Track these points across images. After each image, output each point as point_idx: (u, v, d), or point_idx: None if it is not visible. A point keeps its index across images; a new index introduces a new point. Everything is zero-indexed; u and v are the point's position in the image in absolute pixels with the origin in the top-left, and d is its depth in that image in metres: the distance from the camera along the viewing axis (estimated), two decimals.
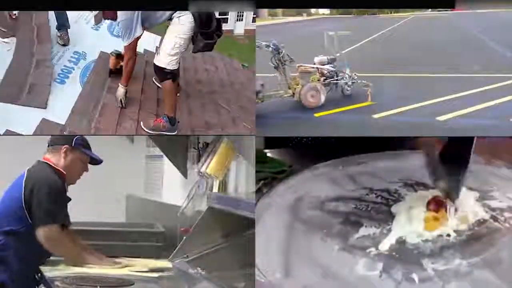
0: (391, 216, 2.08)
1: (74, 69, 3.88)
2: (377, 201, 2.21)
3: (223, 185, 3.44)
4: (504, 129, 4.03)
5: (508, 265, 1.74)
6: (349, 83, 5.22)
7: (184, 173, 3.96)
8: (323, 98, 4.95)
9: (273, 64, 4.90)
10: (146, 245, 3.75)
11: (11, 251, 2.88)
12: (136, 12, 3.52)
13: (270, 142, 3.55)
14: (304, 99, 4.92)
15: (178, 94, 4.10)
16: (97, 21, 3.92)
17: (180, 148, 3.92)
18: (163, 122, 3.77)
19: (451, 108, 4.57)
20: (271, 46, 4.83)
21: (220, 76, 4.92)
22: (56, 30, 4.10)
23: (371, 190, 2.29)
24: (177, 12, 3.58)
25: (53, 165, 3.05)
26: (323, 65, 5.18)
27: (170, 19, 3.64)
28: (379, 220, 2.06)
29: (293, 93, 4.97)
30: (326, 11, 12.91)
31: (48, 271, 3.18)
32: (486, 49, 6.67)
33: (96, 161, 3.21)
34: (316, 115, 4.77)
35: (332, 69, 5.14)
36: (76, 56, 3.96)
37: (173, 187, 4.26)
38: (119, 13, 3.50)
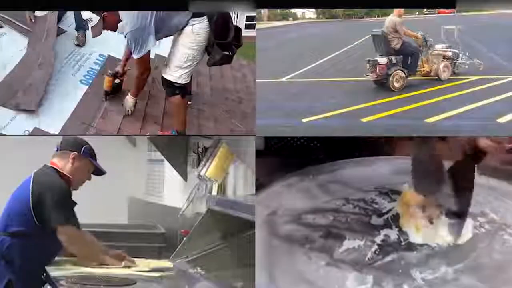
0: (373, 227, 2.03)
1: (98, 71, 3.82)
2: (355, 211, 2.15)
3: (222, 188, 3.47)
4: (491, 130, 3.97)
5: (490, 269, 1.75)
6: (467, 62, 5.76)
7: (184, 176, 4.01)
8: (449, 73, 5.59)
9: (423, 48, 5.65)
10: (147, 245, 3.79)
11: (18, 251, 2.91)
12: (148, 20, 3.13)
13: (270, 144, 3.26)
14: (440, 74, 5.56)
15: (189, 102, 3.77)
16: (96, 33, 3.34)
17: (180, 152, 3.96)
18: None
19: (440, 110, 4.53)
20: (424, 36, 5.64)
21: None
22: (75, 31, 3.99)
23: (346, 200, 2.23)
24: (191, 19, 3.20)
25: (59, 170, 3.04)
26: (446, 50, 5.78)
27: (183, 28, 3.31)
28: (362, 232, 2.00)
29: (430, 70, 5.61)
30: (312, 15, 13.17)
31: (53, 271, 3.22)
32: (472, 50, 6.62)
33: (100, 172, 3.20)
34: (364, 120, 4.64)
35: (456, 51, 5.70)
36: (102, 59, 3.93)
37: (173, 190, 4.34)
38: (128, 23, 3.11)
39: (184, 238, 3.30)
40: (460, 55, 5.98)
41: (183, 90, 3.36)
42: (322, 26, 10.63)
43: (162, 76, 3.36)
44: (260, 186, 2.45)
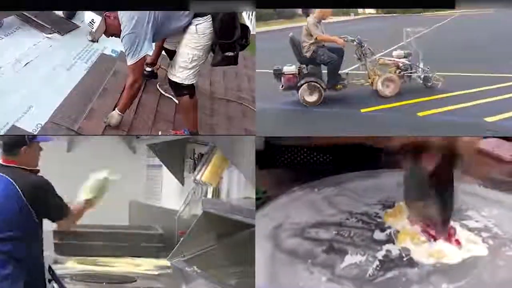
0: (375, 242, 1.96)
1: None
2: (358, 225, 2.08)
3: (217, 192, 3.54)
4: None
5: (491, 286, 1.68)
6: (422, 76, 5.10)
7: (181, 180, 4.14)
8: (397, 89, 4.92)
9: (357, 56, 4.96)
10: (147, 245, 3.84)
11: (23, 252, 2.91)
12: (146, 23, 2.96)
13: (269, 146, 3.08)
14: (380, 89, 4.91)
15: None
16: (94, 37, 3.18)
17: (177, 158, 4.08)
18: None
19: (499, 110, 4.42)
20: (356, 40, 4.88)
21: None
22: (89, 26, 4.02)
23: (350, 214, 2.16)
24: (195, 19, 3.07)
25: (25, 167, 2.96)
26: (400, 58, 5.15)
27: (186, 27, 3.15)
28: (363, 247, 1.94)
29: (372, 83, 4.95)
30: (371, 10, 12.25)
31: (58, 269, 3.31)
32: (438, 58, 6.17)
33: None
34: (363, 110, 4.57)
35: (407, 62, 5.09)
36: (114, 55, 3.97)
37: (171, 194, 4.45)
38: (125, 25, 2.93)
39: (181, 238, 3.30)
40: (421, 66, 5.16)
41: (191, 90, 3.23)
42: (381, 21, 10.55)
43: (168, 78, 3.24)
44: (267, 198, 2.37)
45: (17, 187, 2.88)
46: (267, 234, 2.06)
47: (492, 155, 2.57)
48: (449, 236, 1.89)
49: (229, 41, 3.07)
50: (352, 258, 1.85)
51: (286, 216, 2.17)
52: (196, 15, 3.03)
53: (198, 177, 3.54)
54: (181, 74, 3.13)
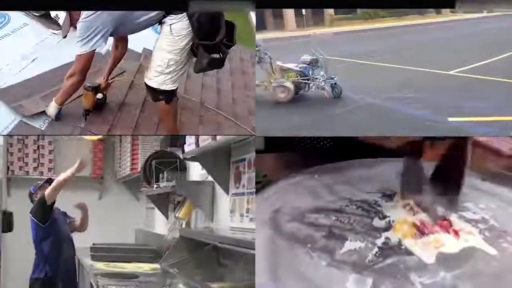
0: (375, 229, 1.79)
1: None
2: (358, 212, 1.88)
3: (188, 224, 4.12)
4: None
5: (488, 277, 1.58)
6: (322, 84, 4.71)
7: (167, 216, 4.95)
8: (290, 95, 4.64)
9: (257, 60, 4.65)
10: (146, 256, 4.71)
11: (50, 246, 3.94)
12: (106, 16, 2.39)
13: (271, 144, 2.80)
14: (275, 94, 4.70)
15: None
16: (64, 33, 2.57)
17: (164, 203, 4.92)
18: None
19: None
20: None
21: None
22: None
23: (350, 201, 1.95)
24: (168, 17, 2.47)
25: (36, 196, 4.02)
26: (306, 64, 4.73)
27: (160, 23, 2.53)
28: (363, 234, 1.77)
29: (266, 87, 4.72)
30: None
31: (93, 269, 4.09)
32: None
33: None
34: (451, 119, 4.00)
35: (302, 70, 4.71)
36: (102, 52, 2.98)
37: (160, 224, 5.34)
38: (83, 13, 2.39)
39: (167, 252, 3.77)
40: (320, 76, 4.72)
41: (168, 95, 2.65)
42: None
43: (144, 82, 2.64)
44: (267, 182, 2.14)
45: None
46: (267, 219, 1.88)
47: (491, 149, 2.30)
48: (446, 226, 1.76)
49: (211, 43, 2.49)
50: (351, 244, 1.74)
51: (286, 200, 1.98)
52: (169, 13, 2.46)
53: (177, 215, 4.10)
54: (156, 78, 2.57)
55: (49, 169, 5.96)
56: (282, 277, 1.61)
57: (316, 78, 4.71)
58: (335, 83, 4.69)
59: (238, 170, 3.19)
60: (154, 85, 2.55)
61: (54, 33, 3.52)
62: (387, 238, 1.75)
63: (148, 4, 2.34)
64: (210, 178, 3.54)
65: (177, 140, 3.96)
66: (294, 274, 1.62)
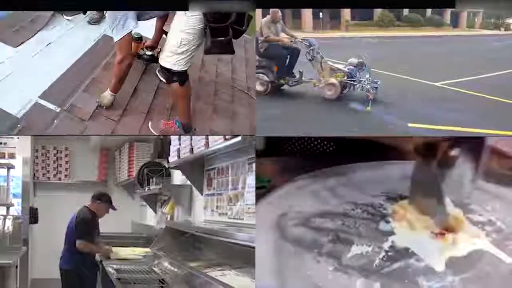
0: (381, 233, 1.76)
1: None
2: (364, 216, 1.85)
3: (172, 217, 4.63)
4: None
5: (496, 280, 1.55)
6: (367, 87, 4.73)
7: (155, 211, 5.47)
8: (336, 93, 4.73)
9: (307, 56, 4.86)
10: (139, 242, 5.31)
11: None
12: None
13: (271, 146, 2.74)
14: (323, 91, 4.83)
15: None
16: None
17: (154, 201, 5.48)
18: (175, 127, 2.90)
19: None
20: (304, 43, 4.83)
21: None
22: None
23: (355, 204, 1.92)
24: None
25: (89, 208, 4.28)
26: (353, 66, 4.83)
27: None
28: (370, 238, 1.74)
29: (315, 84, 4.86)
30: None
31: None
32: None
33: (113, 209, 4.33)
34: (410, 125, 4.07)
35: (350, 72, 4.77)
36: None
37: (151, 218, 5.85)
38: None
39: (155, 239, 4.32)
40: (364, 78, 4.72)
41: (182, 76, 2.70)
42: None
43: (159, 63, 2.72)
44: (272, 187, 2.09)
45: (75, 216, 4.11)
46: (272, 224, 1.82)
47: (495, 150, 2.13)
48: (454, 230, 1.71)
49: (221, 25, 2.52)
50: (358, 249, 1.71)
51: (291, 205, 1.93)
52: None
53: (163, 210, 4.74)
54: (170, 59, 2.63)
55: (65, 176, 6.99)
56: (289, 281, 1.56)
57: (361, 80, 4.82)
58: (377, 87, 4.81)
59: (209, 177, 3.71)
60: (167, 65, 2.61)
61: (68, 19, 3.60)
62: (393, 241, 1.73)
63: (148, 4, 2.50)
64: (188, 183, 4.13)
65: (163, 152, 4.77)
66: (301, 278, 1.58)
